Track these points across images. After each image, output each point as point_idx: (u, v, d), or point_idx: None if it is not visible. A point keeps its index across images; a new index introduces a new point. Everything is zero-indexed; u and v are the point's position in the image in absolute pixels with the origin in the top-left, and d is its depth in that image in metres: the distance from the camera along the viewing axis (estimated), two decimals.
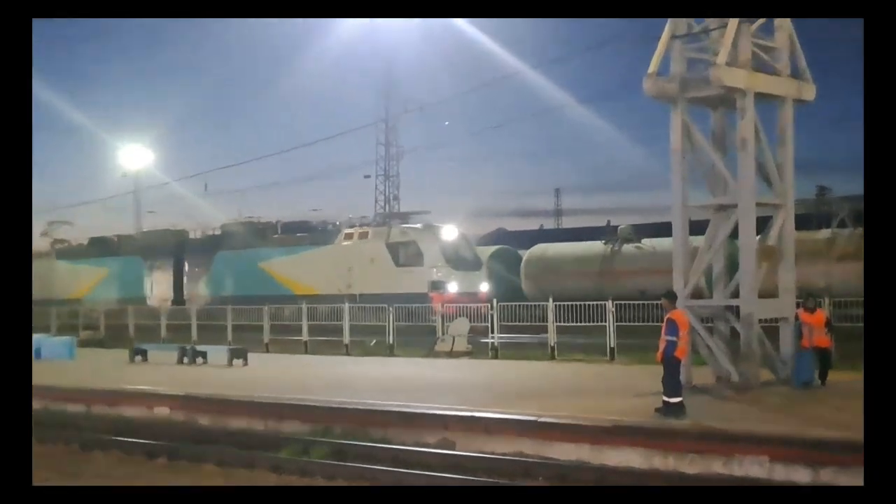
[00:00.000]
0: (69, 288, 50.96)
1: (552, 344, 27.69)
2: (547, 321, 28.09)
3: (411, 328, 32.11)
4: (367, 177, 64.94)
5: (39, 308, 42.46)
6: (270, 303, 35.61)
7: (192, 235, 49.32)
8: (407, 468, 13.63)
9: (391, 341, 31.50)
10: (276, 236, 43.26)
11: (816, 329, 19.12)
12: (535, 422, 15.11)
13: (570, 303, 28.59)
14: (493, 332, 29.31)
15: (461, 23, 46.46)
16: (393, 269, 38.46)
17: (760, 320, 19.31)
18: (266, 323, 35.01)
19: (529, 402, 16.89)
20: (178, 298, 45.01)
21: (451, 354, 29.03)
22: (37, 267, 49.29)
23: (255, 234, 43.83)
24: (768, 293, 19.97)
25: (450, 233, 40.64)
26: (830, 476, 12.22)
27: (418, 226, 41.23)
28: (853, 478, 11.86)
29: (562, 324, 28.19)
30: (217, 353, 28.32)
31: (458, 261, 39.85)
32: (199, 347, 29.56)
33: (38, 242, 54.06)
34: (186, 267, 46.71)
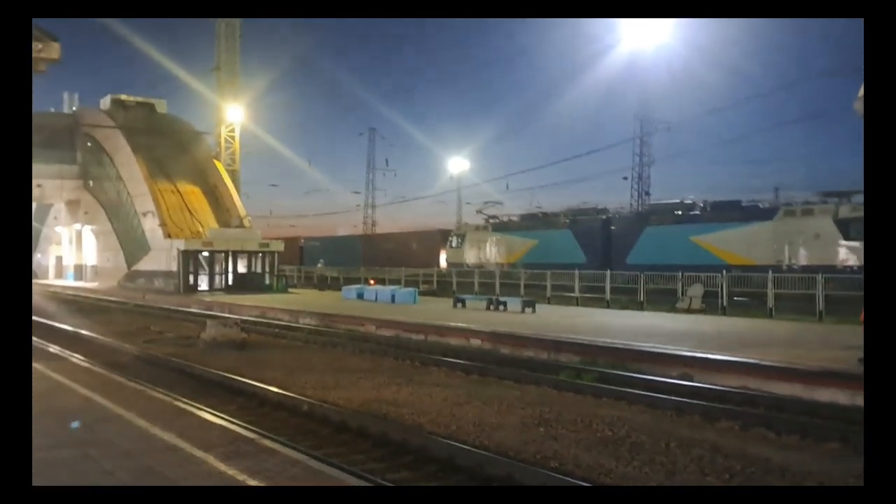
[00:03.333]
0: (503, 255, 46.84)
1: (770, 305, 26.07)
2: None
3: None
4: (625, 178, 63.38)
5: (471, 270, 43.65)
6: (700, 272, 30.53)
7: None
8: (655, 392, 13.07)
9: (641, 298, 30.55)
10: (706, 213, 36.65)
11: None
12: (757, 364, 14.00)
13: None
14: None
15: (698, 61, 43.95)
16: (841, 243, 30.87)
17: None
18: (548, 282, 34.80)
19: (753, 349, 15.69)
20: (604, 264, 37.58)
21: (689, 311, 27.75)
22: (473, 236, 50.01)
23: (681, 213, 37.92)
24: None
25: None
26: None
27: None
28: None
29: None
30: (513, 302, 28.44)
31: None
32: (502, 298, 29.81)
33: (476, 218, 53.18)
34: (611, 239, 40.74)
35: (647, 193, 62.32)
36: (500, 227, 49.44)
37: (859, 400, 12.19)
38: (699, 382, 13.90)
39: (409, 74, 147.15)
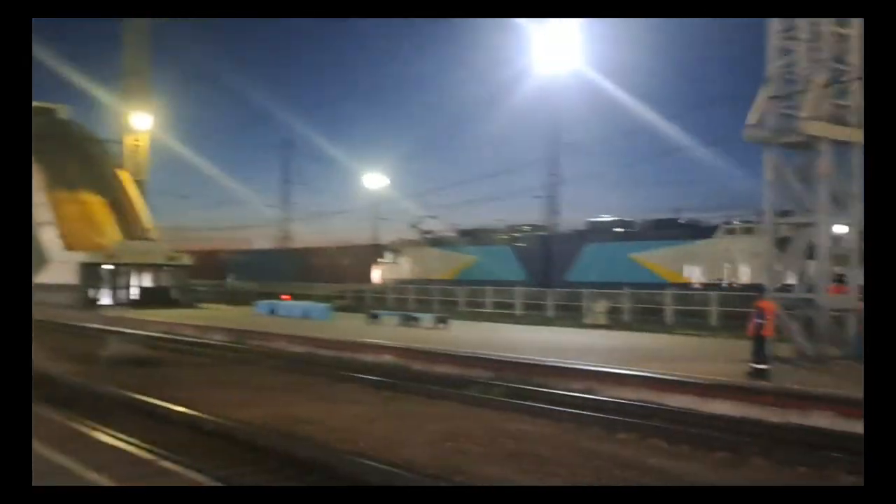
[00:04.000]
0: (441, 271, 45.83)
1: (669, 321, 27.14)
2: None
3: None
4: (537, 197, 64.61)
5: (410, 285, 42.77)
6: (637, 289, 31.21)
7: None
8: (560, 406, 13.55)
9: (550, 314, 31.33)
10: (646, 231, 36.92)
11: None
12: (655, 377, 14.67)
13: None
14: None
15: (609, 85, 45.41)
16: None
17: (831, 309, 18.26)
18: (461, 298, 35.29)
19: (648, 363, 16.39)
20: (544, 282, 38.27)
21: (594, 326, 28.64)
22: (410, 252, 48.58)
23: (622, 230, 38.21)
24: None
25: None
26: None
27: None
28: None
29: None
30: (427, 318, 28.72)
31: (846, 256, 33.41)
32: (414, 314, 30.05)
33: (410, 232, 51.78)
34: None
35: (557, 213, 63.80)
36: (438, 242, 48.94)
37: (748, 410, 12.97)
38: (601, 396, 14.47)
39: (328, 90, 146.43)
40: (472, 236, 47.01)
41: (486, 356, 18.08)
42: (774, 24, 18.25)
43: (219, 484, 6.61)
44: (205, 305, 44.63)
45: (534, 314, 32.51)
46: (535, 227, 43.84)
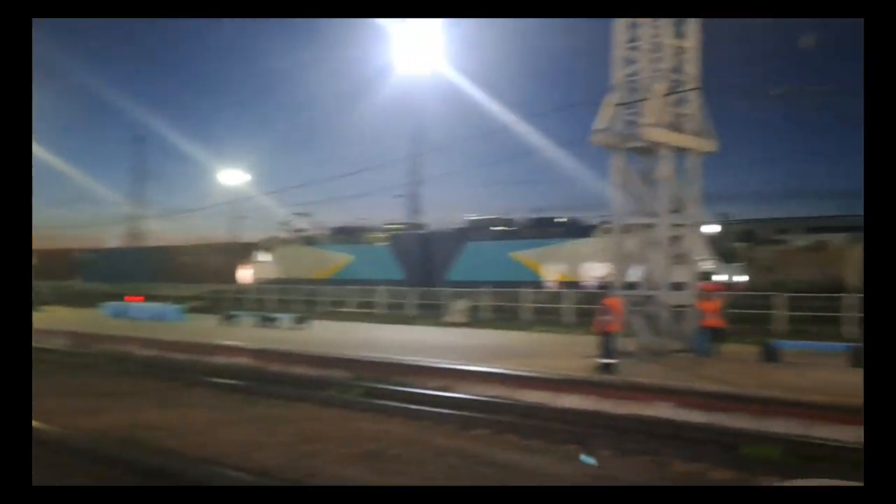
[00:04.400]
0: (317, 270, 44.67)
1: (528, 318, 28.03)
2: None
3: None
4: (398, 196, 64.94)
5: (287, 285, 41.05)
6: (519, 287, 31.14)
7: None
8: (416, 404, 13.75)
9: (413, 314, 31.64)
10: (526, 230, 36.97)
11: (712, 313, 19.29)
12: (511, 374, 15.16)
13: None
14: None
15: (470, 86, 45.96)
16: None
17: (672, 306, 19.45)
18: (322, 298, 35.01)
19: (507, 360, 16.92)
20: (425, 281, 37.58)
21: (454, 324, 29.13)
22: (283, 251, 46.59)
23: (503, 229, 38.14)
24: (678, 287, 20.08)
25: (710, 229, 33.97)
26: (716, 418, 12.35)
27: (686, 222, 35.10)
28: (739, 421, 12.04)
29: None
30: (286, 318, 28.32)
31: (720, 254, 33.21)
32: (272, 314, 29.55)
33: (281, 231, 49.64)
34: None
35: (419, 211, 64.51)
36: (312, 240, 47.69)
37: (596, 404, 13.65)
38: (457, 393, 14.80)
39: (187, 87, 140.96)
40: (347, 234, 46.13)
41: (345, 356, 18.07)
42: (619, 36, 19.27)
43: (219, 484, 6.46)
44: (46, 308, 41.99)
45: (396, 313, 32.73)
46: (412, 226, 43.78)
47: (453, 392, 14.93)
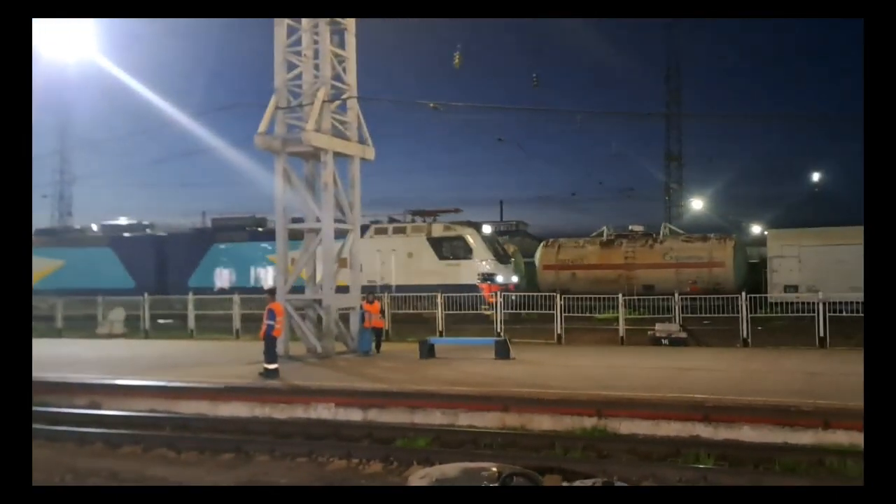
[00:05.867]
0: None
1: (191, 326, 27.02)
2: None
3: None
4: (44, 196, 58.84)
5: None
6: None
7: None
8: (58, 425, 12.67)
9: (60, 326, 28.90)
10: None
11: (374, 315, 20.26)
12: (166, 386, 14.60)
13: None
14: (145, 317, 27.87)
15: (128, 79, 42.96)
16: (436, 262, 31.26)
17: (337, 309, 20.09)
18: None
19: (167, 371, 16.25)
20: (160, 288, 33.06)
21: (110, 336, 27.21)
22: None
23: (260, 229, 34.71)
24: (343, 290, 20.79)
25: (488, 229, 33.64)
26: (373, 415, 13.04)
27: (461, 222, 33.04)
28: (395, 416, 12.78)
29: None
30: None
31: (499, 255, 32.52)
32: None
33: None
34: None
35: (70, 214, 59.25)
36: None
37: (257, 410, 13.64)
38: (107, 409, 13.91)
39: None
40: (53, 236, 40.40)
41: None
42: (279, 39, 19.46)
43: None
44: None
45: (38, 326, 29.66)
46: (145, 226, 39.17)
47: (103, 409, 14.01)
